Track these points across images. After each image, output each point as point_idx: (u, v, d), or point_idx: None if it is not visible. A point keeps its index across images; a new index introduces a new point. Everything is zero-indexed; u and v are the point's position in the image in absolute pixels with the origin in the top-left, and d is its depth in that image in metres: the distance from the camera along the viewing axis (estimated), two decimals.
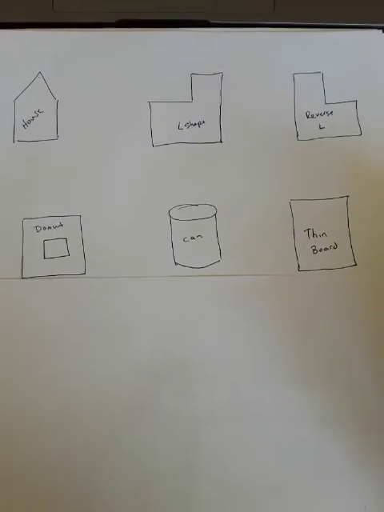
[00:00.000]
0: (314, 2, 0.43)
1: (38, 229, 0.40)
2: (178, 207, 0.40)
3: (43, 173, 0.40)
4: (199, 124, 0.42)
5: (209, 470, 0.36)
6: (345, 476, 0.36)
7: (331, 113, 0.42)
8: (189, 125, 0.42)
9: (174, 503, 0.36)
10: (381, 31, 0.43)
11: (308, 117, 0.42)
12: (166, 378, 0.37)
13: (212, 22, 0.42)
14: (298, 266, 0.39)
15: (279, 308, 0.39)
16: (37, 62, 0.42)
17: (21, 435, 0.37)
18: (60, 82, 0.42)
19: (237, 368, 0.38)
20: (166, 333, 0.38)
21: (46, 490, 0.36)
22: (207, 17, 0.42)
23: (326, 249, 0.39)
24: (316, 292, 0.39)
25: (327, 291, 0.39)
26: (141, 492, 0.36)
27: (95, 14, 0.42)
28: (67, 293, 0.39)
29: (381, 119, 0.41)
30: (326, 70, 0.42)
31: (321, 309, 0.39)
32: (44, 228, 0.40)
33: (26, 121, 0.41)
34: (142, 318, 0.38)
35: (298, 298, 0.39)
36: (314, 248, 0.39)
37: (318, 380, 0.37)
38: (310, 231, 0.40)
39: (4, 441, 0.37)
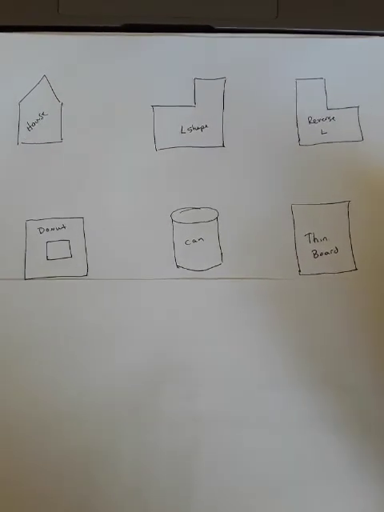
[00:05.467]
0: (317, 9, 0.43)
1: (41, 230, 0.40)
2: (180, 210, 0.40)
3: (47, 175, 0.41)
4: (202, 128, 0.42)
5: (208, 472, 0.36)
6: (345, 480, 0.36)
7: (333, 118, 0.42)
8: (191, 129, 0.42)
9: (174, 506, 0.36)
10: (383, 38, 0.43)
11: (310, 122, 0.42)
12: (166, 380, 0.37)
13: (216, 27, 0.43)
14: (299, 270, 0.39)
15: (280, 312, 0.39)
16: (42, 65, 0.42)
17: (20, 435, 0.37)
18: (64, 85, 0.42)
19: (237, 371, 0.38)
20: (166, 335, 0.38)
21: (45, 492, 0.36)
22: (211, 22, 0.43)
23: (326, 253, 0.40)
24: (317, 296, 0.39)
25: (328, 295, 0.39)
26: (140, 494, 0.36)
27: (100, 18, 0.43)
28: (69, 294, 0.39)
29: (382, 125, 0.42)
30: (328, 76, 0.43)
31: (321, 313, 0.39)
32: (47, 229, 0.40)
33: (30, 123, 0.42)
34: (143, 320, 0.38)
35: (298, 302, 0.39)
36: (314, 252, 0.40)
37: (318, 384, 0.37)
38: (311, 235, 0.40)
39: (3, 441, 0.37)
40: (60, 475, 0.36)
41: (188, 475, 0.36)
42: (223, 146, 0.41)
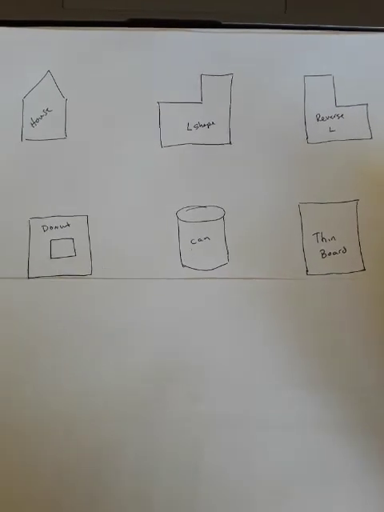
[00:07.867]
0: (325, 5, 0.43)
1: (44, 228, 0.39)
2: (186, 209, 0.40)
3: (51, 172, 0.40)
4: (208, 125, 0.41)
5: (213, 472, 0.36)
6: (348, 482, 0.36)
7: (342, 116, 0.42)
8: (198, 126, 0.41)
9: (178, 506, 0.36)
10: None
11: (318, 119, 0.41)
12: (172, 380, 0.37)
13: (223, 22, 0.42)
14: (306, 270, 0.39)
15: (286, 311, 0.38)
16: (46, 60, 0.42)
17: (24, 435, 0.36)
18: (69, 80, 0.42)
19: (243, 371, 0.37)
20: (172, 335, 0.38)
21: (49, 491, 0.36)
22: (218, 18, 0.42)
23: (334, 253, 0.39)
24: (324, 296, 0.39)
25: (335, 295, 0.39)
26: (145, 494, 0.36)
27: (106, 13, 0.42)
28: (73, 293, 0.38)
29: None
30: (336, 73, 0.42)
31: (328, 313, 0.38)
32: (51, 228, 0.39)
33: (34, 119, 0.41)
34: (148, 319, 0.38)
35: (305, 302, 0.38)
36: (322, 252, 0.39)
37: (323, 384, 0.37)
38: (319, 235, 0.40)
39: (8, 441, 0.36)
40: (63, 475, 0.36)
41: (192, 475, 0.36)
42: (230, 144, 0.41)
